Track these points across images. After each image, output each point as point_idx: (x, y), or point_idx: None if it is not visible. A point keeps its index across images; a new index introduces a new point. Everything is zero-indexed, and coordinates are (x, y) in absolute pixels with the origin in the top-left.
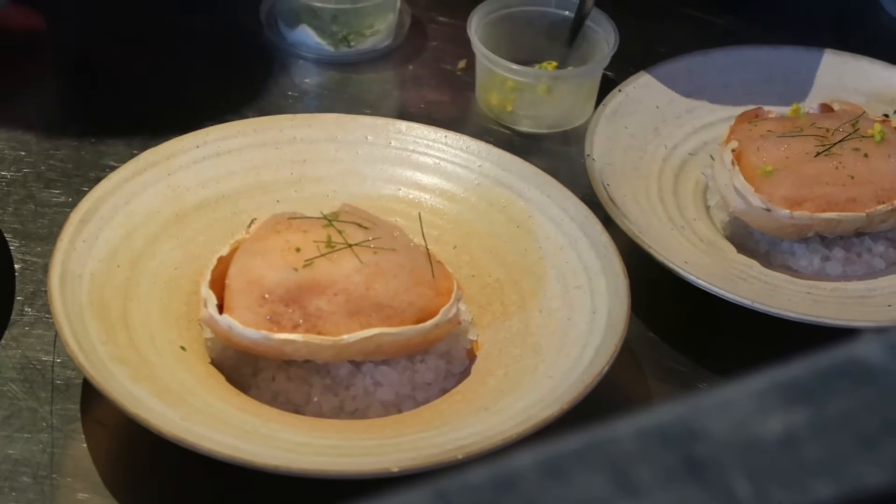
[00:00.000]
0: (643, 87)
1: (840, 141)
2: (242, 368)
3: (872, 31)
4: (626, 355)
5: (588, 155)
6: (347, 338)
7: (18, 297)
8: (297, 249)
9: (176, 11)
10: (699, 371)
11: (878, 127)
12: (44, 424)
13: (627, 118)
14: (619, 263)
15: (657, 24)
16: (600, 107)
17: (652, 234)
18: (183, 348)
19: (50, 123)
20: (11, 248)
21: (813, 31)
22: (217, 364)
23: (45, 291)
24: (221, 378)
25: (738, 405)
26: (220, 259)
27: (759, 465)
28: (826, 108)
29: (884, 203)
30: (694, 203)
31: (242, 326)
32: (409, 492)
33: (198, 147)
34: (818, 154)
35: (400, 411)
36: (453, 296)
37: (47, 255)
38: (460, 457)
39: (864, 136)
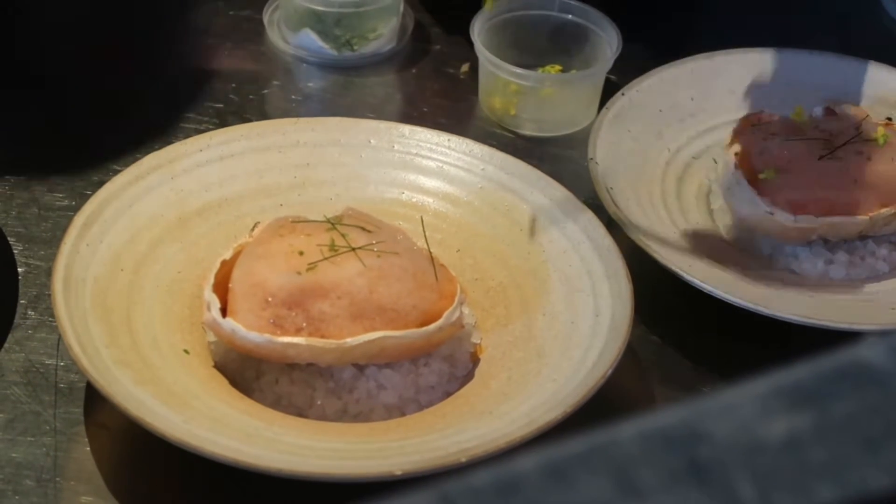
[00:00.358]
0: (646, 91)
1: (843, 144)
2: (246, 372)
3: (876, 34)
4: (630, 359)
5: (591, 158)
6: (351, 341)
7: (22, 301)
8: (301, 253)
9: (179, 14)
10: (702, 374)
11: (881, 130)
12: (47, 428)
13: (630, 122)
14: (623, 267)
15: (660, 28)
16: (603, 110)
17: (655, 237)
18: (186, 352)
19: (53, 126)
20: (15, 251)
21: (816, 34)
22: (220, 367)
23: (49, 295)
24: (224, 381)
25: (741, 408)
26: (224, 263)
27: (762, 469)
28: (829, 112)
29: (887, 206)
30: (697, 206)
31: (246, 330)
32: (413, 495)
33: (201, 151)
34: (821, 157)
35: (403, 414)
36: (456, 299)
37: (50, 258)
38: (463, 460)
39: (867, 140)
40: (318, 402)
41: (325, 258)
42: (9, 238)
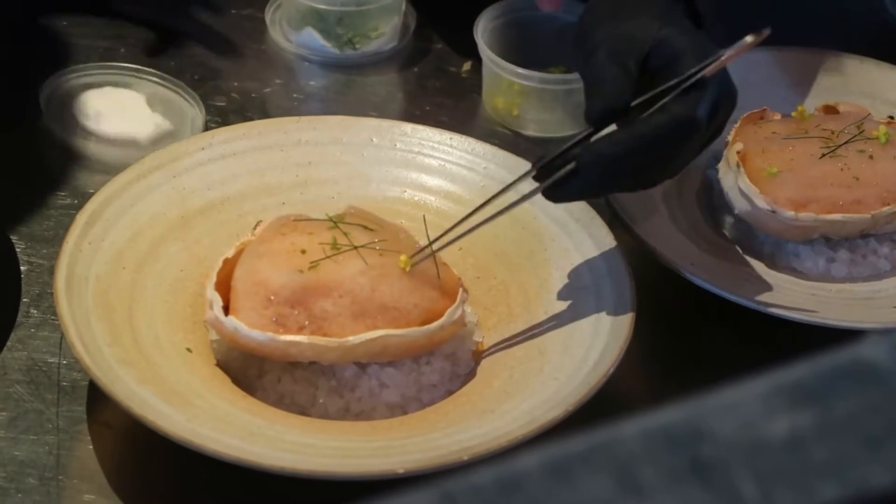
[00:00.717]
0: None
1: (845, 143)
2: (248, 370)
3: (877, 32)
4: (631, 357)
5: None
6: (353, 339)
7: (24, 299)
8: (303, 251)
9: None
10: (704, 372)
11: (883, 129)
12: (50, 426)
13: None
14: (625, 265)
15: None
16: None
17: (657, 235)
18: (189, 350)
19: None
20: (17, 249)
21: (818, 32)
22: (223, 366)
23: (51, 293)
24: (227, 380)
25: (743, 406)
26: (226, 261)
27: (764, 467)
28: (831, 110)
29: (889, 205)
30: (699, 205)
31: (248, 328)
32: (416, 493)
33: (203, 149)
34: (823, 156)
35: (405, 413)
36: (459, 298)
37: (53, 256)
38: (466, 458)
39: (869, 138)
40: (321, 401)
41: (328, 257)
42: (11, 236)
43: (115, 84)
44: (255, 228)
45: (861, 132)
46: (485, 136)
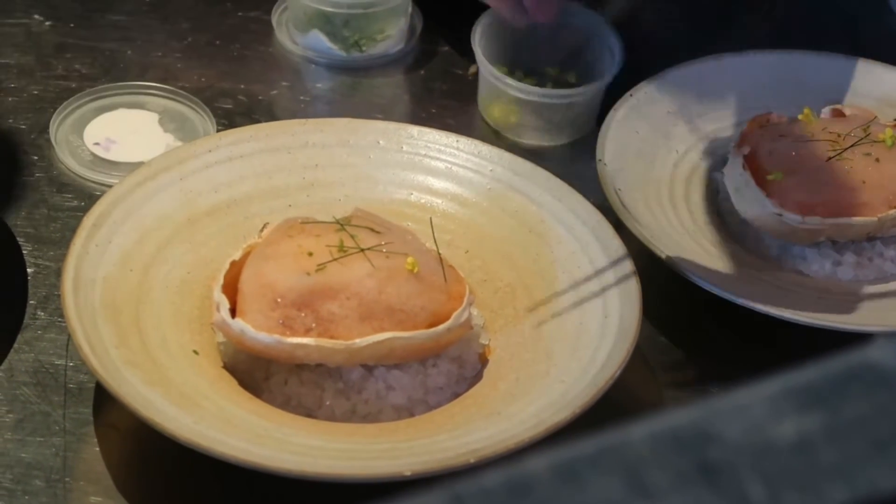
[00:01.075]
0: (655, 92)
1: (851, 146)
2: (255, 372)
3: (884, 35)
4: (638, 359)
5: (600, 160)
6: (360, 342)
7: (31, 301)
8: (310, 254)
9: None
10: (711, 375)
11: (889, 132)
12: (56, 428)
13: (639, 123)
14: (631, 268)
15: (669, 29)
16: (611, 111)
17: (663, 238)
18: (196, 352)
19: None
20: (24, 252)
21: (824, 35)
22: (229, 368)
23: (58, 295)
24: (234, 382)
25: (751, 409)
26: (233, 263)
27: (773, 470)
28: (837, 113)
29: (895, 208)
30: (705, 208)
31: (255, 330)
32: (425, 495)
33: (210, 152)
34: (830, 159)
35: (412, 415)
36: (465, 300)
37: (60, 259)
38: (472, 461)
39: (875, 141)
40: (327, 403)
41: (335, 259)
42: (18, 239)
43: (128, 105)
44: (261, 231)
45: (867, 135)
46: (491, 138)
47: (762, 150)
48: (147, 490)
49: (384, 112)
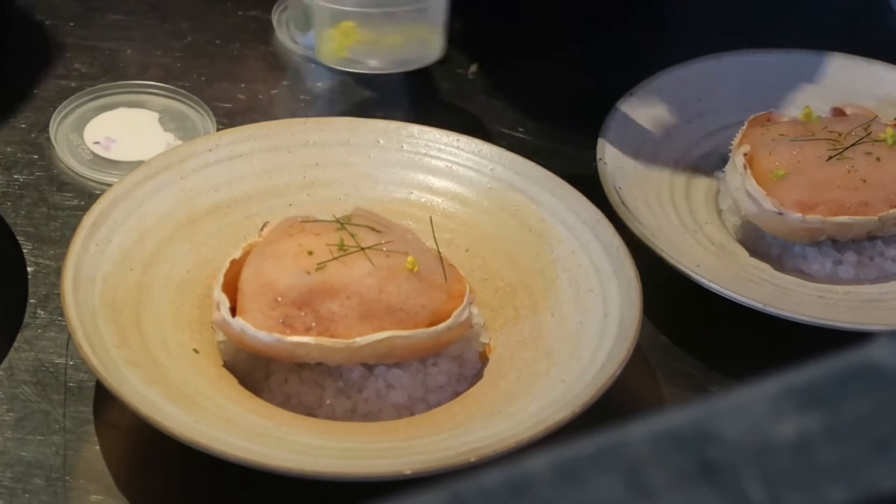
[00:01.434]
0: (655, 91)
1: (852, 145)
2: (255, 371)
3: (884, 35)
4: (638, 359)
5: (600, 158)
6: (360, 341)
7: (31, 300)
8: (310, 253)
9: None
10: (711, 374)
11: (890, 131)
12: (57, 427)
13: (639, 121)
14: (632, 267)
15: (669, 28)
16: (612, 110)
17: (664, 237)
18: (196, 351)
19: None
20: (24, 250)
21: (825, 35)
22: (230, 367)
23: (58, 294)
24: (234, 381)
25: (752, 409)
26: (233, 262)
27: (773, 469)
28: (838, 112)
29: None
30: (706, 207)
31: (255, 329)
32: (425, 494)
33: (210, 151)
34: (830, 158)
35: (412, 414)
36: (465, 299)
37: (60, 258)
38: (473, 460)
39: (876, 140)
40: (328, 402)
41: (335, 258)
42: (18, 237)
43: (128, 104)
44: (262, 230)
45: (868, 134)
46: (491, 137)
47: (763, 149)
48: (147, 488)
49: (384, 111)
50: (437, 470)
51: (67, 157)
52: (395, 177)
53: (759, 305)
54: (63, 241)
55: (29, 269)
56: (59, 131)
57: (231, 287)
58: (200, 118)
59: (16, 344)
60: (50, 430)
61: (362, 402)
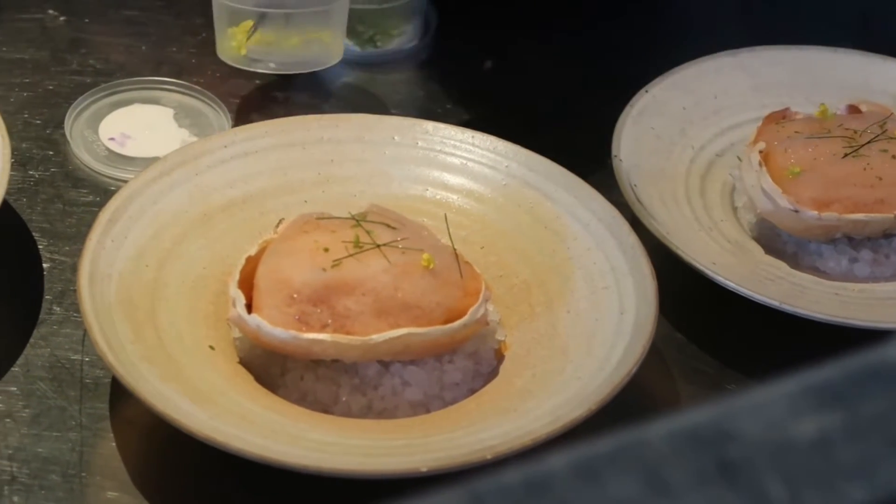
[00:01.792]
0: (670, 88)
1: (868, 142)
2: (271, 368)
3: None
4: (654, 356)
5: (615, 156)
6: (376, 338)
7: (47, 297)
8: (326, 249)
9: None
10: (727, 372)
11: None
12: (73, 423)
13: (654, 119)
14: (647, 264)
15: (683, 24)
16: (627, 107)
17: (679, 235)
18: (211, 348)
19: (80, 151)
20: (40, 247)
21: (840, 31)
22: (245, 364)
23: (74, 290)
24: (250, 377)
25: (770, 407)
26: (249, 259)
27: (792, 468)
28: (853, 110)
29: None
30: (721, 204)
31: (271, 326)
32: (444, 492)
33: (225, 147)
34: (846, 155)
35: (428, 411)
36: (481, 296)
37: (75, 254)
38: (489, 457)
39: (891, 138)
40: (343, 399)
41: (350, 255)
42: (34, 234)
43: (143, 101)
44: (277, 226)
45: (884, 132)
46: (506, 134)
47: (778, 146)
48: (163, 485)
49: (399, 108)
50: (453, 467)
51: (83, 153)
52: (409, 173)
53: (774, 303)
54: (78, 238)
55: (44, 265)
56: (75, 127)
57: (247, 284)
58: (215, 114)
59: (32, 340)
60: (66, 427)
61: (378, 399)
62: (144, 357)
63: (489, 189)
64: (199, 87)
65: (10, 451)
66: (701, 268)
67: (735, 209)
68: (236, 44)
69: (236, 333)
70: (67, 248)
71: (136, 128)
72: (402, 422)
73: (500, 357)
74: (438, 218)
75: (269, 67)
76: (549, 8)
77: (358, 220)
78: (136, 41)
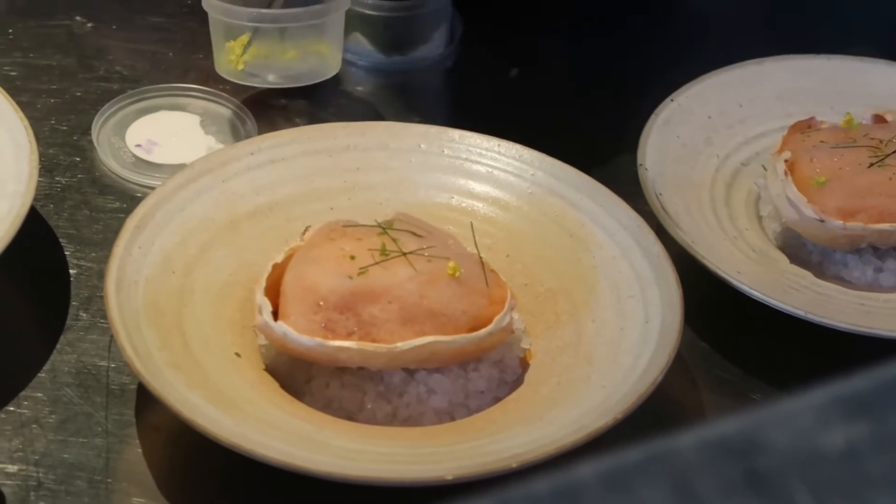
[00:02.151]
0: (695, 97)
1: (893, 152)
2: (296, 375)
3: None
4: (678, 365)
5: (641, 164)
6: (401, 345)
7: (74, 303)
8: (352, 257)
9: None
10: (752, 381)
11: None
12: (99, 429)
13: (680, 128)
14: (672, 273)
15: (709, 34)
16: (652, 116)
17: (704, 243)
18: (237, 354)
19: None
20: (66, 253)
21: (865, 41)
22: (271, 371)
23: (100, 297)
24: (275, 384)
25: (799, 418)
26: (275, 266)
27: (821, 479)
28: (879, 119)
29: None
30: (746, 213)
31: (297, 333)
32: (469, 501)
33: (252, 154)
34: (871, 165)
35: (453, 419)
36: (507, 304)
37: (102, 260)
38: (514, 465)
39: None
40: (369, 406)
41: (377, 262)
42: (60, 240)
43: (170, 107)
44: (303, 234)
45: None
46: (532, 142)
47: (803, 155)
48: (189, 492)
49: (425, 115)
50: (479, 476)
51: (109, 159)
52: (435, 181)
53: (799, 313)
54: (105, 244)
55: (71, 271)
56: (101, 134)
57: (273, 291)
58: (241, 122)
59: (58, 346)
60: (92, 433)
61: (403, 406)
62: (170, 363)
63: (515, 197)
64: (225, 94)
65: (37, 457)
66: (726, 277)
67: (760, 218)
68: (234, 58)
69: (262, 340)
70: (94, 255)
71: (163, 134)
72: (428, 429)
73: (524, 365)
74: (464, 226)
75: (266, 81)
76: (575, 15)
77: (384, 228)
78: (163, 48)
